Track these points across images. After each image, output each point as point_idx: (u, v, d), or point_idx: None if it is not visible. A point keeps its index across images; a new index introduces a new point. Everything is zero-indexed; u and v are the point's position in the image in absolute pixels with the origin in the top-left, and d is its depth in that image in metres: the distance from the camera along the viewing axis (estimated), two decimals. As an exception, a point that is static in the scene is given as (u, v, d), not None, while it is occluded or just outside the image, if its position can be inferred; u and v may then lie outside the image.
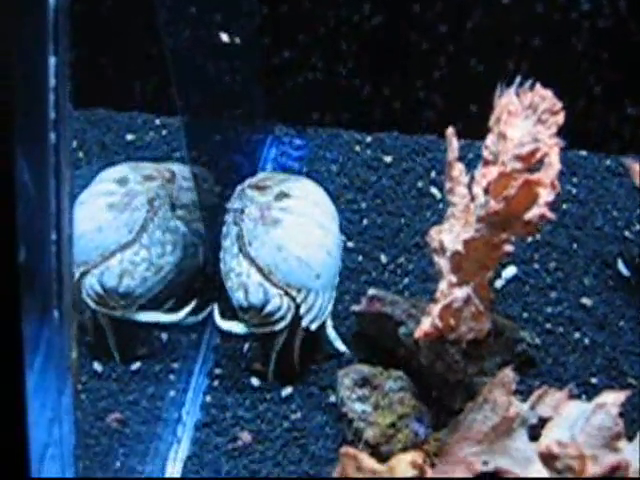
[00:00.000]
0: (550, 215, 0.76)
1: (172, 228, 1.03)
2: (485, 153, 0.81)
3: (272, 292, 0.95)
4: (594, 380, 1.00)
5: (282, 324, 0.95)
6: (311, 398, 0.99)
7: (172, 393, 1.02)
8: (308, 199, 1.03)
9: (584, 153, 1.23)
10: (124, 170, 1.09)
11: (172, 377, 1.04)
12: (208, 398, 1.00)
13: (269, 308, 0.94)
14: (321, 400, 0.99)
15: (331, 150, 1.25)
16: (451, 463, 0.91)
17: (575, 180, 1.20)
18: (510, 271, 1.09)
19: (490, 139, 0.81)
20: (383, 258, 1.12)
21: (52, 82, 0.61)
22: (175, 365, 1.04)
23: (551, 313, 1.06)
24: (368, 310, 0.98)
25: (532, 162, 0.76)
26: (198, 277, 1.06)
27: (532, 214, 0.75)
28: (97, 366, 1.02)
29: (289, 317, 0.95)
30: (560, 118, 0.76)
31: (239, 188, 1.05)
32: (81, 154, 1.26)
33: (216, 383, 1.01)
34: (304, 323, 0.96)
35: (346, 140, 1.26)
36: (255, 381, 1.01)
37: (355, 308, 1.00)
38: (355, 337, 1.03)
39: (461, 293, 0.80)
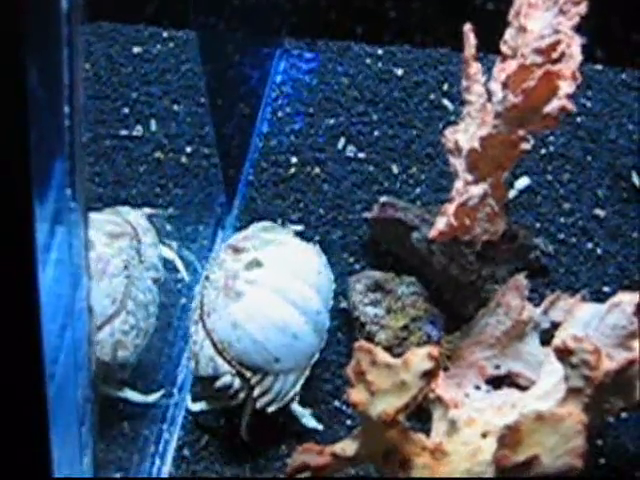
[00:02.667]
0: (571, 107, 0.74)
1: (149, 288, 0.94)
2: (504, 48, 0.80)
3: (223, 369, 0.87)
4: (606, 289, 1.00)
5: (233, 402, 0.89)
6: (322, 305, 0.99)
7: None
8: (285, 270, 0.90)
9: (599, 67, 1.21)
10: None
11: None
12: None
13: (218, 384, 0.87)
14: (332, 306, 0.98)
15: (342, 63, 1.23)
16: (463, 367, 0.91)
17: (590, 94, 1.18)
18: (523, 182, 1.08)
19: (509, 33, 0.79)
20: (395, 168, 1.10)
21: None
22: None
23: (564, 224, 1.05)
24: (380, 216, 0.97)
25: (553, 55, 0.75)
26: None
27: (552, 107, 0.74)
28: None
29: (241, 397, 0.88)
30: (582, 8, 0.74)
31: (222, 247, 0.96)
32: (88, 67, 1.24)
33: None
34: (258, 405, 0.88)
35: (357, 53, 1.24)
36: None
37: (367, 215, 1.00)
38: (367, 245, 1.02)
39: (477, 190, 0.79)
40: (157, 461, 0.93)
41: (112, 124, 1.16)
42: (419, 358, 0.72)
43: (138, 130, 1.15)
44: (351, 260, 1.03)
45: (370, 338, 0.89)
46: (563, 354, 0.73)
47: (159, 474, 0.93)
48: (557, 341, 0.76)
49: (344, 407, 0.93)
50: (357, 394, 0.73)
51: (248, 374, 0.87)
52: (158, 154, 1.13)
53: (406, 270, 0.96)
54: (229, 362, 0.87)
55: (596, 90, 1.19)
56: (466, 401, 0.87)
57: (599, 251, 1.03)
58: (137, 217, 0.98)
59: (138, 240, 0.95)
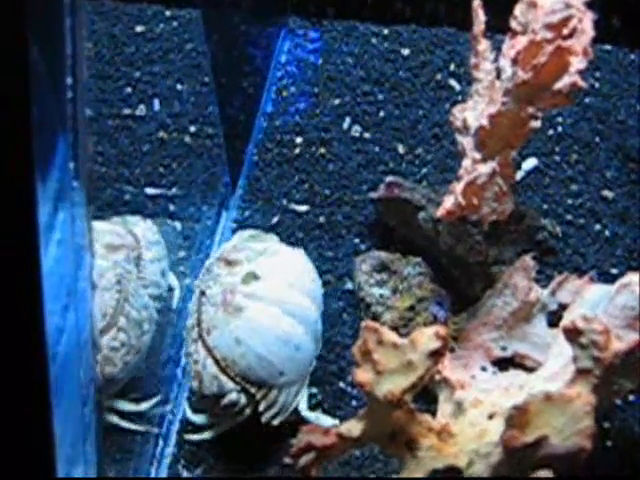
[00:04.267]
0: (582, 83, 0.73)
1: (146, 305, 0.91)
2: (513, 24, 0.78)
3: (228, 386, 0.85)
4: (614, 271, 0.99)
5: (240, 418, 0.87)
6: (327, 286, 0.98)
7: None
8: (282, 280, 0.88)
9: (608, 47, 1.20)
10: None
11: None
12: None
13: (224, 402, 0.85)
14: (338, 287, 0.98)
15: (347, 43, 1.21)
16: (469, 348, 0.90)
17: (598, 74, 1.17)
18: (530, 163, 1.07)
19: (519, 9, 0.78)
20: (401, 149, 1.09)
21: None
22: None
23: (572, 205, 1.04)
24: (386, 196, 0.96)
25: (564, 31, 0.73)
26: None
27: (563, 83, 0.72)
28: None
29: (247, 412, 0.86)
30: (594, -18, 0.73)
31: (209, 261, 0.92)
32: (90, 45, 1.22)
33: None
34: (264, 419, 0.86)
35: (362, 32, 1.22)
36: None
37: (373, 195, 0.98)
38: (372, 226, 1.01)
39: (485, 168, 0.78)
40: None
41: (115, 103, 1.15)
42: (426, 337, 0.71)
43: (141, 110, 1.14)
44: (356, 241, 1.02)
45: (376, 319, 0.88)
46: (572, 334, 0.72)
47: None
48: (566, 321, 0.76)
49: (349, 388, 0.92)
50: (363, 374, 0.72)
51: (253, 390, 0.85)
52: (161, 134, 1.12)
53: (412, 250, 0.95)
54: (233, 379, 0.85)
55: (605, 71, 1.17)
56: (472, 382, 0.86)
57: (607, 233, 1.02)
58: (144, 229, 0.95)
59: (138, 254, 0.92)
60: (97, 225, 0.92)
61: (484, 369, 0.89)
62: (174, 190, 1.07)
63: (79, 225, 0.66)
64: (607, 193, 1.05)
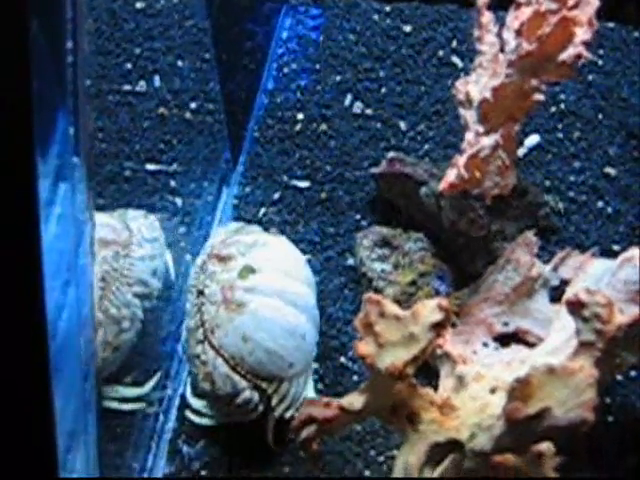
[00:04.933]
0: (586, 54, 0.72)
1: (128, 303, 0.88)
2: (517, -5, 0.77)
3: (241, 385, 0.84)
4: (616, 247, 0.98)
5: (253, 415, 0.85)
6: (329, 262, 0.98)
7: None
8: (278, 271, 0.87)
9: (611, 25, 1.19)
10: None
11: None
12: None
13: (238, 401, 0.84)
14: (339, 263, 0.98)
15: (349, 20, 1.21)
16: (471, 324, 0.90)
17: (602, 52, 1.16)
18: (533, 139, 1.06)
19: (523, -20, 0.77)
20: (402, 125, 1.09)
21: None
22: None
23: (574, 182, 1.04)
24: (388, 171, 0.96)
25: (569, 1, 0.73)
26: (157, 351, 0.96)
27: (567, 54, 0.72)
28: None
29: (260, 409, 0.85)
30: (599, -48, 0.72)
31: (199, 260, 0.90)
32: (90, 22, 1.22)
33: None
34: (277, 414, 0.85)
35: (364, 9, 1.21)
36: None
37: (374, 170, 0.98)
38: (374, 202, 1.01)
39: (489, 141, 0.77)
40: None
41: (115, 80, 1.14)
42: (428, 310, 0.71)
43: (141, 86, 1.13)
44: (358, 217, 1.01)
45: (377, 294, 0.88)
46: (575, 307, 0.72)
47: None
48: (569, 294, 0.75)
49: (350, 363, 0.92)
50: (365, 346, 0.72)
51: (264, 385, 0.84)
52: (162, 110, 1.11)
53: (414, 226, 0.94)
54: (244, 376, 0.84)
55: (608, 48, 1.16)
56: (474, 358, 0.86)
57: (609, 210, 1.02)
58: (142, 225, 0.93)
59: (128, 252, 0.90)
60: (96, 216, 0.88)
61: (486, 345, 0.89)
62: (175, 166, 1.07)
63: (79, 200, 0.66)
64: (609, 170, 1.05)
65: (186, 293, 0.91)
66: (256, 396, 0.84)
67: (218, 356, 0.84)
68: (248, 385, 0.84)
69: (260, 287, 0.85)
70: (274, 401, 0.84)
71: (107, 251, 0.88)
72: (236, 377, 0.84)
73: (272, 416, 0.85)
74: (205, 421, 0.89)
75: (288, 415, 0.85)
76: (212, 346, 0.84)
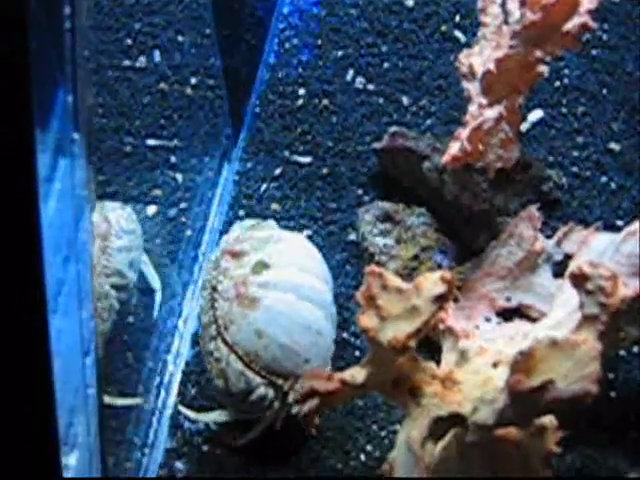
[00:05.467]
0: (592, 24, 0.71)
1: (105, 294, 0.88)
2: (522, -35, 0.76)
3: (255, 382, 0.82)
4: (620, 223, 0.98)
5: (268, 412, 0.84)
6: (330, 237, 0.97)
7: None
8: (292, 266, 0.85)
9: (616, -1, 1.18)
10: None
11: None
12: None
13: (253, 398, 0.83)
14: (341, 239, 0.97)
15: (350, -6, 1.20)
16: (473, 299, 0.89)
17: (606, 26, 1.15)
18: (536, 114, 1.05)
19: (528, -51, 0.76)
20: (405, 100, 1.08)
21: None
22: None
23: (578, 157, 1.03)
24: (390, 146, 0.95)
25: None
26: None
27: (572, 24, 0.71)
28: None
29: (276, 405, 0.84)
30: None
31: (215, 255, 0.89)
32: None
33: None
34: (294, 411, 0.80)
35: (366, -17, 1.20)
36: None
37: (376, 145, 0.97)
38: (375, 177, 1.00)
39: (492, 113, 0.76)
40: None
41: (115, 55, 1.14)
42: (431, 282, 0.70)
43: (141, 61, 1.12)
44: (360, 192, 1.00)
45: (379, 268, 0.87)
46: (579, 280, 0.72)
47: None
48: (573, 267, 0.75)
49: (352, 339, 0.91)
50: (367, 319, 0.72)
51: (280, 381, 0.83)
52: (162, 85, 1.10)
53: (416, 201, 0.94)
54: (259, 373, 0.82)
55: (613, 22, 1.15)
56: (476, 333, 0.86)
57: (613, 185, 1.01)
58: (120, 217, 0.92)
59: (106, 243, 0.89)
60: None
61: (488, 320, 0.89)
62: (175, 142, 1.06)
63: (79, 176, 0.66)
64: (613, 145, 1.04)
65: (191, 283, 0.90)
66: (271, 392, 0.83)
67: (231, 352, 0.83)
68: (263, 382, 0.82)
69: (274, 282, 0.84)
70: (292, 397, 0.82)
71: None
72: (250, 374, 0.82)
73: (284, 409, 0.84)
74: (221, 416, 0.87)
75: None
76: (225, 342, 0.83)
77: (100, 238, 0.88)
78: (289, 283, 0.84)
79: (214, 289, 0.85)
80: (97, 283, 0.86)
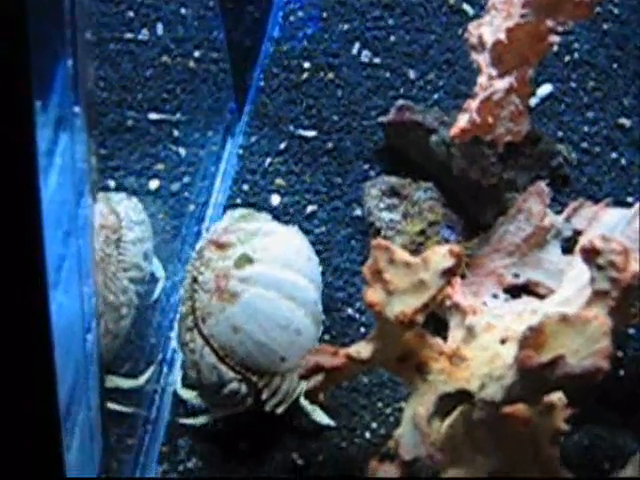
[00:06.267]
0: (606, -9, 0.70)
1: (124, 289, 0.86)
2: None
3: (228, 376, 0.81)
4: (630, 199, 0.96)
5: (241, 408, 0.83)
6: (336, 212, 0.96)
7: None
8: (276, 262, 0.83)
9: (627, -28, 1.16)
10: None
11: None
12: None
13: (225, 392, 0.82)
14: (346, 214, 0.96)
15: (357, -34, 1.17)
16: (481, 275, 0.88)
17: (617, 0, 1.13)
18: (545, 89, 1.03)
19: None
20: (412, 74, 1.06)
21: None
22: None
23: (587, 132, 1.01)
24: (397, 119, 0.93)
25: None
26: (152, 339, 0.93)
27: (586, -8, 0.69)
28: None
29: (249, 401, 0.83)
30: None
31: (198, 246, 0.87)
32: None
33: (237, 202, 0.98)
34: (268, 408, 0.82)
35: (372, -43, 1.18)
36: (275, 199, 0.98)
37: (383, 119, 0.95)
38: (382, 152, 0.98)
39: (502, 84, 0.75)
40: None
41: (117, 28, 1.12)
42: (439, 256, 0.69)
43: (144, 34, 1.11)
44: (365, 167, 0.99)
45: (385, 243, 0.86)
46: (590, 255, 0.70)
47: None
48: (584, 241, 0.73)
49: (357, 315, 0.90)
50: (373, 294, 0.70)
51: (254, 378, 0.82)
52: (165, 58, 1.08)
53: (423, 176, 0.92)
54: (233, 368, 0.81)
55: (624, -4, 1.13)
56: (484, 309, 0.84)
57: (623, 161, 1.00)
58: (128, 208, 0.90)
59: (119, 236, 0.87)
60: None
61: (495, 296, 0.87)
62: (178, 115, 1.04)
63: (80, 151, 0.64)
64: (624, 121, 1.02)
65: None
66: (244, 388, 0.82)
67: (206, 345, 0.82)
68: (236, 377, 0.81)
69: (256, 278, 0.82)
70: (265, 395, 0.82)
71: (97, 237, 0.84)
72: (223, 368, 0.81)
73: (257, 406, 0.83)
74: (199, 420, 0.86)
75: (280, 411, 0.83)
76: (202, 335, 0.82)
77: (109, 230, 0.86)
78: (271, 279, 0.82)
79: (195, 280, 0.84)
80: (115, 279, 0.85)
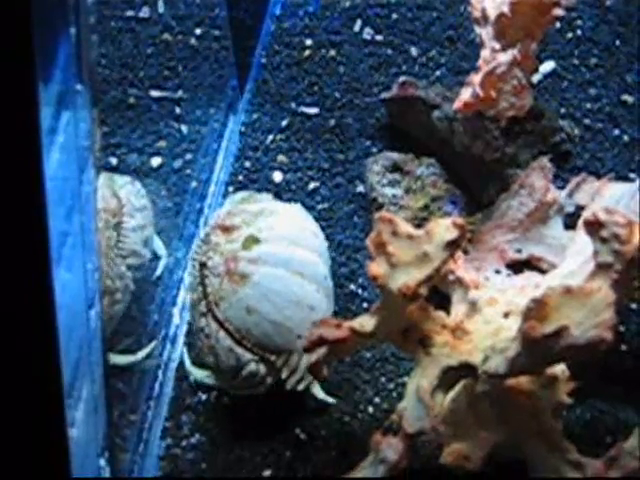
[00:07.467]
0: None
1: (121, 274, 0.86)
2: None
3: (245, 358, 0.81)
4: (632, 175, 0.96)
5: (261, 388, 0.83)
6: (338, 189, 0.96)
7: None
8: (283, 240, 0.83)
9: (630, -51, 1.15)
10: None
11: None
12: (231, 189, 0.97)
13: (243, 374, 0.81)
14: (348, 190, 0.96)
15: (358, -53, 1.17)
16: (483, 250, 0.88)
17: (620, -23, 1.13)
18: (548, 66, 1.03)
19: None
20: (414, 51, 1.06)
21: None
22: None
23: (590, 109, 1.01)
24: (399, 95, 0.93)
25: None
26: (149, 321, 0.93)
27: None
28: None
29: (269, 381, 0.82)
30: None
31: (205, 230, 0.87)
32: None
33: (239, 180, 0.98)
34: (289, 386, 0.82)
35: (373, -64, 1.18)
36: (277, 176, 0.98)
37: (385, 95, 0.95)
38: (384, 128, 0.98)
39: (505, 57, 0.75)
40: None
41: (118, 5, 1.11)
42: (443, 228, 0.69)
43: (145, 12, 1.10)
44: (368, 144, 0.99)
45: (388, 219, 0.86)
46: (593, 227, 0.70)
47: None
48: (587, 214, 0.73)
49: (360, 290, 0.90)
50: (377, 267, 0.70)
51: (272, 357, 0.81)
52: (166, 36, 1.08)
53: (425, 152, 0.92)
54: (250, 349, 0.81)
55: (626, -27, 1.13)
56: (487, 284, 0.84)
57: (625, 137, 0.99)
58: (130, 193, 0.89)
59: (119, 221, 0.87)
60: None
61: (498, 272, 0.87)
62: (180, 93, 1.04)
63: (83, 128, 0.64)
64: (627, 97, 1.02)
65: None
66: (262, 369, 0.82)
67: (221, 329, 0.81)
68: (253, 358, 0.81)
69: (264, 257, 0.82)
70: (284, 374, 0.82)
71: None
72: (239, 350, 0.81)
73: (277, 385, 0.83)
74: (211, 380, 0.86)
75: (301, 388, 0.83)
76: (216, 319, 0.82)
77: (110, 214, 0.86)
78: (280, 258, 0.82)
79: (204, 265, 0.84)
80: (113, 264, 0.85)
